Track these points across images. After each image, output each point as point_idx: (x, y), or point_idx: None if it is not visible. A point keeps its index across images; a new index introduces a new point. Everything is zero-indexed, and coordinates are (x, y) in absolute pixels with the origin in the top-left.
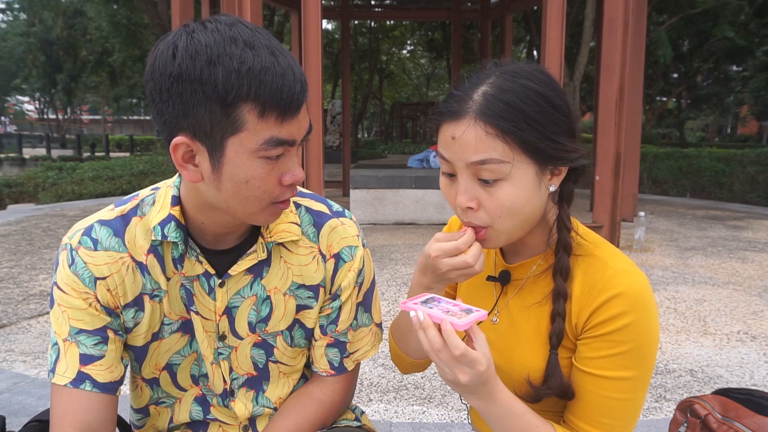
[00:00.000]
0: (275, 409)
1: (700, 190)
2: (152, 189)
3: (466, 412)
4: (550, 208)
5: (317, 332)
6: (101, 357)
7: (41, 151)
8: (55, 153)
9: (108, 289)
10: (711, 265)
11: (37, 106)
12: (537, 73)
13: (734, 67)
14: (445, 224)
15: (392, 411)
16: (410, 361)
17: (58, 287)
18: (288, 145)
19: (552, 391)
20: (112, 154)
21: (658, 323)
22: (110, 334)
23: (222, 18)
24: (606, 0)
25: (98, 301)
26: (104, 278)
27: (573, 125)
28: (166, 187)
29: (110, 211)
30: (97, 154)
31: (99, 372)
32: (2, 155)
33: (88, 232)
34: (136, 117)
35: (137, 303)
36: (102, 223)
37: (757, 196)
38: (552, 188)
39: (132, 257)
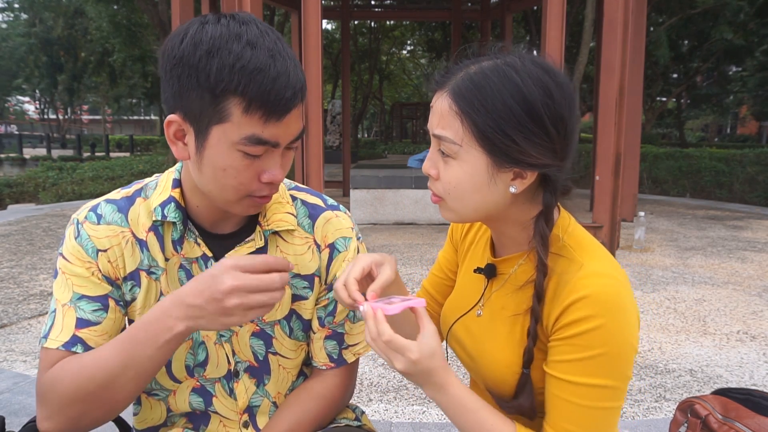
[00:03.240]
0: (274, 403)
1: (700, 190)
2: (156, 176)
3: None
4: (526, 208)
5: (315, 324)
6: (98, 323)
7: (41, 151)
8: (56, 153)
9: (109, 261)
10: (711, 265)
11: (38, 106)
12: (539, 74)
13: (734, 68)
14: (444, 224)
15: (392, 411)
16: None
17: (64, 257)
18: (270, 146)
19: (519, 410)
20: (112, 154)
21: (633, 330)
22: (111, 303)
23: (240, 15)
24: (606, 0)
25: (100, 270)
26: (105, 250)
27: (551, 138)
28: (169, 172)
29: (117, 192)
30: (97, 154)
31: (92, 337)
32: (2, 155)
33: (94, 208)
34: (136, 117)
35: (134, 277)
36: (108, 201)
37: (756, 196)
38: (513, 189)
39: (133, 233)
